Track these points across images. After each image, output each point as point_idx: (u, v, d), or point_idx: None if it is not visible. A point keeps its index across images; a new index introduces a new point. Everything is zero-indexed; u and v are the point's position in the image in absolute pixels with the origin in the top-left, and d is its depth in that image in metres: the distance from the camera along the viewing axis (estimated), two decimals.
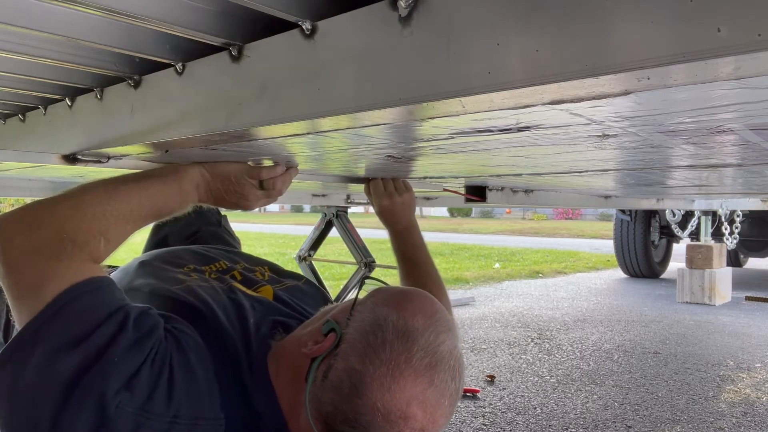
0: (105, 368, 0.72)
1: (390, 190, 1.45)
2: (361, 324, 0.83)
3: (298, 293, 1.17)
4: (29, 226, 0.81)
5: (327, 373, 0.81)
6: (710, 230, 5.89)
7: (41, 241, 0.79)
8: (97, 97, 1.07)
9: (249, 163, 1.07)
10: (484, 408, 2.65)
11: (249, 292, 1.06)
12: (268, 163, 1.10)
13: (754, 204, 4.01)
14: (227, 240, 1.66)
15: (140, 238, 1.18)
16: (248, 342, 0.91)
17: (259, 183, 1.07)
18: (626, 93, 0.54)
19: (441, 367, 0.80)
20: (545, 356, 3.55)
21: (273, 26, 0.75)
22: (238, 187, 1.04)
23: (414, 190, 1.52)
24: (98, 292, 0.79)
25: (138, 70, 0.96)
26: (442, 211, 30.80)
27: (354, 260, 3.24)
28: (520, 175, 1.70)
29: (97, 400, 0.70)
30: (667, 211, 6.24)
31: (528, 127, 0.78)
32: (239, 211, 1.14)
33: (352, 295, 0.96)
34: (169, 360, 0.79)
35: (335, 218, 3.22)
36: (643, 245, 6.96)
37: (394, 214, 1.45)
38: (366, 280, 0.98)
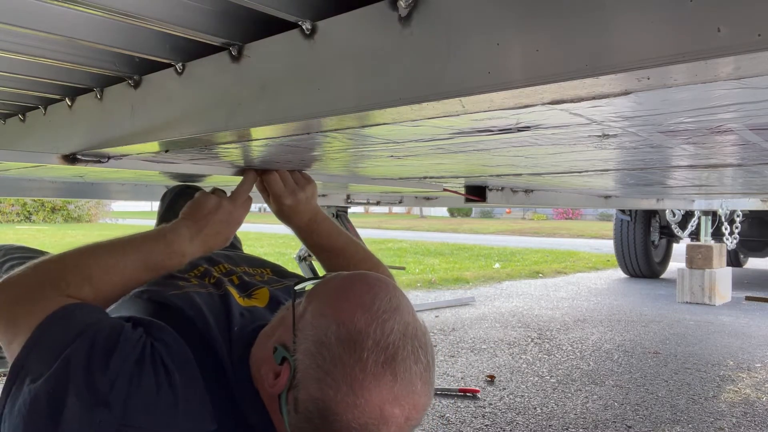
0: (79, 388, 0.74)
1: (291, 187, 1.26)
2: (306, 346, 0.81)
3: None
4: (14, 283, 0.89)
5: (296, 405, 0.80)
6: (710, 230, 5.88)
7: (22, 291, 0.87)
8: (97, 97, 1.07)
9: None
10: (484, 408, 2.65)
11: (241, 301, 1.06)
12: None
13: (754, 204, 4.01)
14: (230, 241, 1.66)
15: None
16: (231, 349, 0.92)
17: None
18: (626, 93, 0.54)
19: (399, 357, 0.78)
20: (545, 356, 3.55)
21: (273, 26, 0.75)
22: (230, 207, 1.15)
23: (414, 189, 1.46)
24: (70, 317, 0.83)
25: (138, 70, 0.96)
26: (442, 211, 30.77)
27: None
28: (520, 175, 1.70)
29: (78, 420, 0.73)
30: (667, 211, 6.24)
31: (528, 127, 0.78)
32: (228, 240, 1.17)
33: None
34: (150, 372, 0.79)
35: (335, 218, 3.23)
36: (643, 245, 6.96)
37: (297, 212, 1.27)
38: (296, 288, 0.92)
